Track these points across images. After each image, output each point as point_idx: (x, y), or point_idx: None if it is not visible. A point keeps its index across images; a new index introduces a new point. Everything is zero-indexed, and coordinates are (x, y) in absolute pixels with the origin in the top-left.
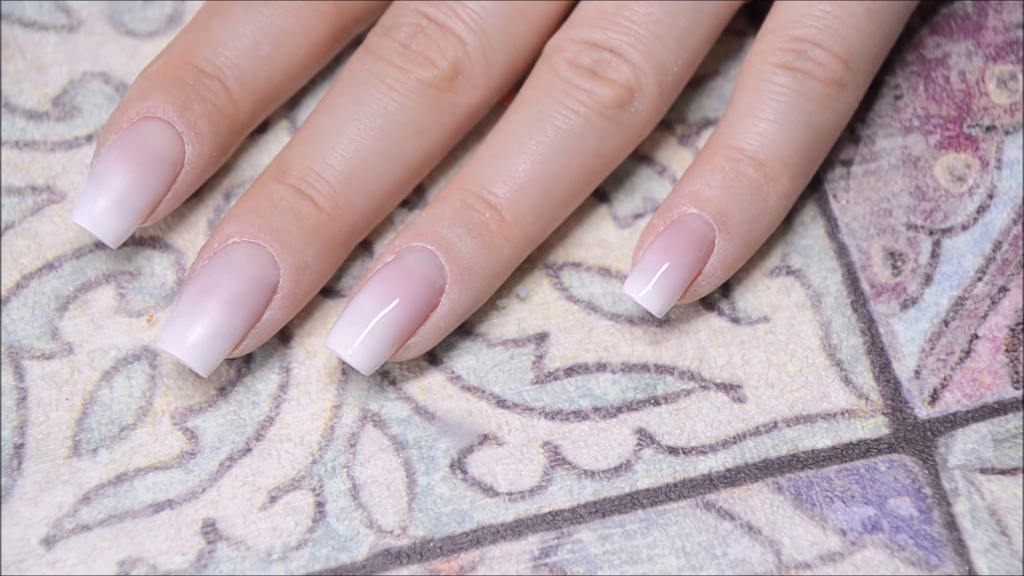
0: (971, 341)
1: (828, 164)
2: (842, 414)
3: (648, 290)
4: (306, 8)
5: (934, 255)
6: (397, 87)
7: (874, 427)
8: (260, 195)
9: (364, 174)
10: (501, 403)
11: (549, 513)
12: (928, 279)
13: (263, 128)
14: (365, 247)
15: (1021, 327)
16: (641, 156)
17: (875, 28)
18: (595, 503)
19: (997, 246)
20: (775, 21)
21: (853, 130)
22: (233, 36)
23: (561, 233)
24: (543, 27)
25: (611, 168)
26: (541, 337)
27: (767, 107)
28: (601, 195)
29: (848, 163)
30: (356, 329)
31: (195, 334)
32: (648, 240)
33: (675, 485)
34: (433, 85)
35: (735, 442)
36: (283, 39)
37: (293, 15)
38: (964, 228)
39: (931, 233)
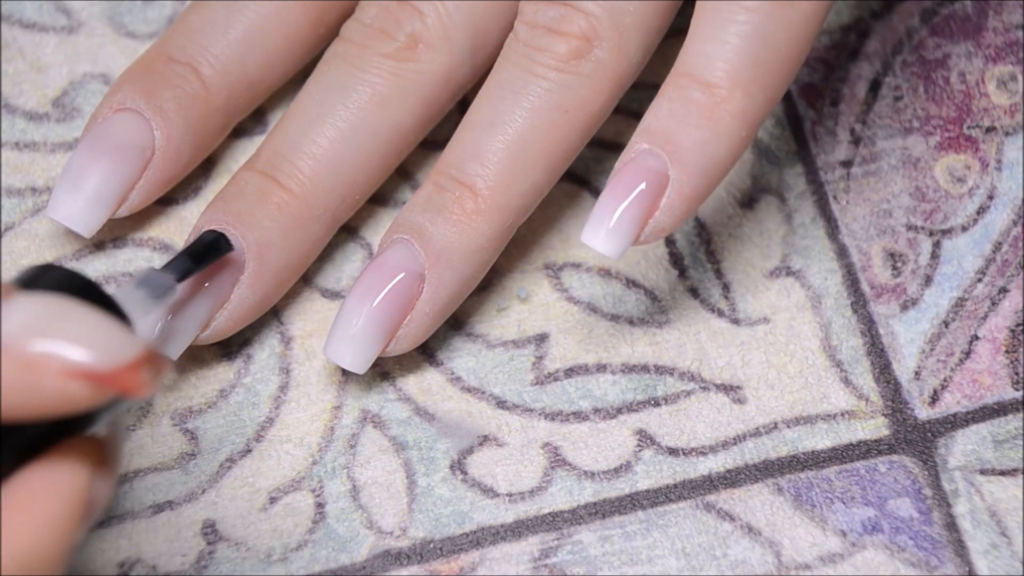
0: (971, 342)
1: (828, 165)
2: (842, 415)
3: (600, 235)
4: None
5: (934, 256)
6: (356, 63)
7: (874, 428)
8: (229, 185)
9: (329, 151)
10: (501, 404)
11: (549, 514)
12: (928, 280)
13: (263, 128)
14: (365, 246)
15: (1021, 328)
16: None
17: None
18: (595, 504)
19: (997, 247)
20: None
21: (853, 131)
22: (206, 24)
23: (562, 233)
24: None
25: (589, 123)
26: (541, 338)
27: (709, 26)
28: None
29: (848, 164)
30: (343, 332)
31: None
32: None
33: (675, 486)
34: (391, 56)
35: (735, 443)
36: (257, 21)
37: (266, 3)
38: (964, 229)
39: (931, 234)
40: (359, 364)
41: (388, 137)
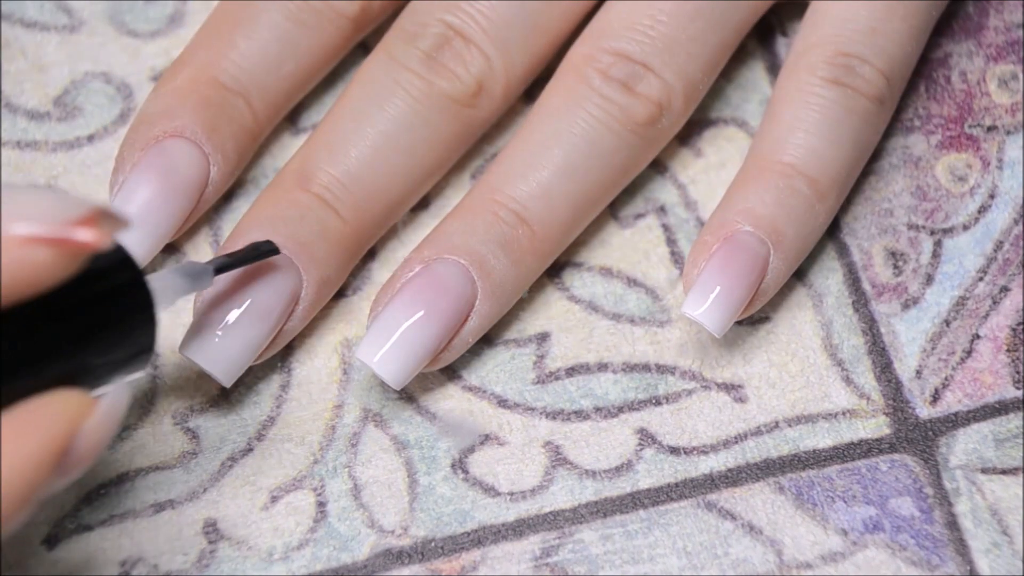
0: (972, 341)
1: None
2: (843, 414)
3: (706, 309)
4: (326, 24)
5: (935, 255)
6: (423, 100)
7: (875, 427)
8: (285, 202)
9: (385, 184)
10: (502, 403)
11: (550, 513)
12: (929, 279)
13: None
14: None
15: (1022, 327)
16: None
17: (912, 46)
18: (596, 503)
19: (998, 246)
20: (821, 34)
21: None
22: (257, 52)
23: None
24: (559, 39)
25: (630, 180)
26: (542, 337)
27: (820, 122)
28: None
29: None
30: (389, 341)
31: (222, 345)
32: (703, 258)
33: (676, 485)
34: (457, 100)
35: (736, 442)
36: (305, 55)
37: (314, 32)
38: (965, 228)
39: (932, 233)
40: (400, 378)
41: (433, 174)
